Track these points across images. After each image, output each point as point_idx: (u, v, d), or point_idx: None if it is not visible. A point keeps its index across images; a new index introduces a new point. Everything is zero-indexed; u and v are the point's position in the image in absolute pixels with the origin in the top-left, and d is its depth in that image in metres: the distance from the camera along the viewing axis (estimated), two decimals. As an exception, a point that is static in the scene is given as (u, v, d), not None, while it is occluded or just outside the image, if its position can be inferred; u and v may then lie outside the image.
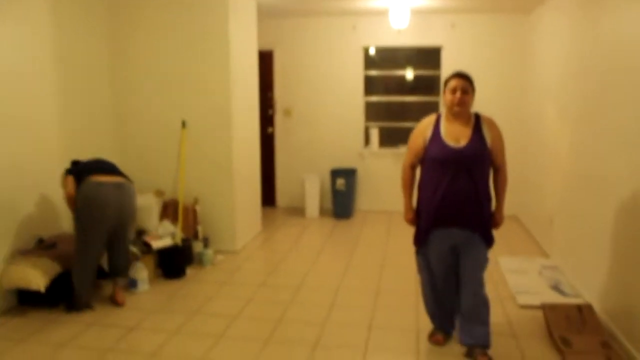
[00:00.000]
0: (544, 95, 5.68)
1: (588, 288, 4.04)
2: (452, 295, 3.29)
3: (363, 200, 7.31)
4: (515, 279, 4.54)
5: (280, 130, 7.38)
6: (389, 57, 7.28)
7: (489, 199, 3.12)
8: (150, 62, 5.31)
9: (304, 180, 6.98)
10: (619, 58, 3.61)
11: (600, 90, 3.95)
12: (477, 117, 3.10)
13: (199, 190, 5.36)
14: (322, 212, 7.13)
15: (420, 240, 3.22)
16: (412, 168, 3.24)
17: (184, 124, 5.30)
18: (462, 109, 3.01)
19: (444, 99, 3.08)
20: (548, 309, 3.64)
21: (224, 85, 5.20)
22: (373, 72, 7.22)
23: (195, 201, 5.30)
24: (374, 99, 7.27)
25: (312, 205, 6.95)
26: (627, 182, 3.33)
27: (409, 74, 7.21)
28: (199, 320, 3.81)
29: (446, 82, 3.09)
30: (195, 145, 5.33)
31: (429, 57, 7.04)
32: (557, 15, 5.33)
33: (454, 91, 3.01)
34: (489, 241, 3.14)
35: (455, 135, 3.02)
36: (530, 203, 6.18)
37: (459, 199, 3.00)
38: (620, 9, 3.63)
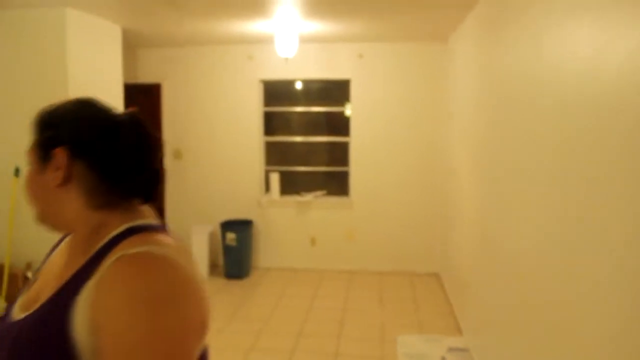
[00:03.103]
0: (461, 135, 4.83)
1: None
2: None
3: (262, 255, 6.25)
4: (410, 368, 3.60)
5: (169, 174, 6.35)
6: (292, 91, 6.42)
7: None
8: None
9: (191, 233, 5.95)
10: (508, 99, 2.78)
11: (498, 138, 3.11)
12: (110, 246, 0.97)
13: (33, 253, 4.29)
14: (215, 270, 6.07)
15: None
16: None
17: (17, 172, 4.27)
18: (39, 213, 1.09)
19: None
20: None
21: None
22: (274, 109, 6.34)
23: (28, 266, 4.24)
24: (276, 139, 6.37)
25: (200, 263, 5.91)
26: (533, 251, 2.45)
27: (316, 110, 6.35)
28: None
29: None
30: (29, 197, 4.29)
31: (337, 91, 6.20)
32: (466, 42, 4.55)
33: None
34: None
35: (47, 281, 1.07)
36: (451, 261, 5.23)
37: None
38: (510, 41, 2.83)
